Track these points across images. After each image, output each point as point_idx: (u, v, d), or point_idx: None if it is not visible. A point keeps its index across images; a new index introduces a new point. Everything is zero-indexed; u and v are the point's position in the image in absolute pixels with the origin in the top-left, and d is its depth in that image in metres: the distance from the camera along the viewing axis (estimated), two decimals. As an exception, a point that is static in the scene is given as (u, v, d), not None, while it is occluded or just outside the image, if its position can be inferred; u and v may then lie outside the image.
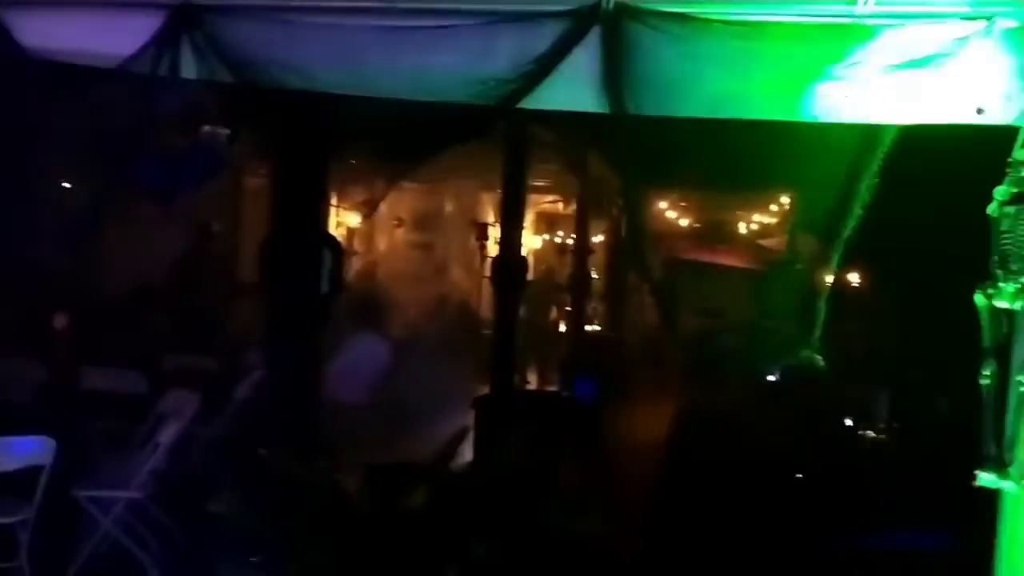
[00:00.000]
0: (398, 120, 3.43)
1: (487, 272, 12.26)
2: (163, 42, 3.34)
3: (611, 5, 3.11)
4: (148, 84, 3.42)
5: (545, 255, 18.77)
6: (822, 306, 3.16)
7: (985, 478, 2.92)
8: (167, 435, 5.32)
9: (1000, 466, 2.90)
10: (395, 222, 17.00)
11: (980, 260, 3.02)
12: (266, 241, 5.43)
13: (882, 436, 8.70)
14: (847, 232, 3.11)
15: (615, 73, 3.11)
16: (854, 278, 7.27)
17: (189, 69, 3.30)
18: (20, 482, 4.59)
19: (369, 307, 9.91)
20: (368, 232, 16.53)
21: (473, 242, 14.33)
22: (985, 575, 3.12)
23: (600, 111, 3.18)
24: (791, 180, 3.25)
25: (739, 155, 3.27)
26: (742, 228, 15.30)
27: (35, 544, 4.66)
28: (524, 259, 10.11)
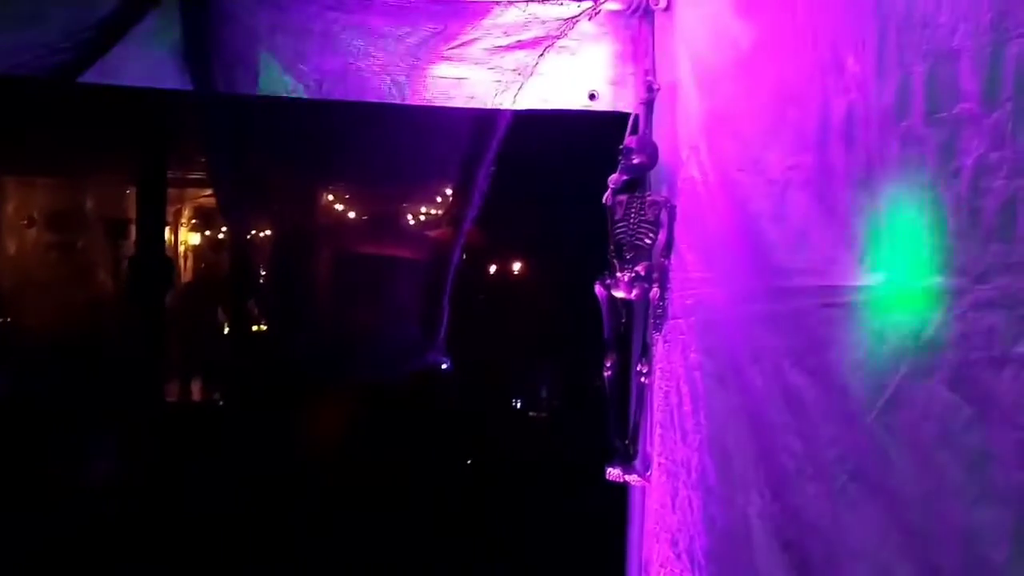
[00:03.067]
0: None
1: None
2: None
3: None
4: None
5: (205, 253, 17.60)
6: (445, 304, 2.94)
7: (613, 472, 2.86)
8: None
9: (626, 459, 2.85)
10: (24, 221, 15.05)
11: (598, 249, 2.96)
12: None
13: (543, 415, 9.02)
14: (467, 222, 2.91)
15: (198, 45, 2.65)
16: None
17: None
18: None
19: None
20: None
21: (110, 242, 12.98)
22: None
23: (183, 88, 2.70)
24: (406, 168, 2.98)
25: (351, 141, 2.94)
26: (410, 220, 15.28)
27: None
28: (168, 259, 9.24)
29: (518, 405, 8.20)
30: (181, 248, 13.85)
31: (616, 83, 2.96)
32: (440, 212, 3.00)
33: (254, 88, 2.73)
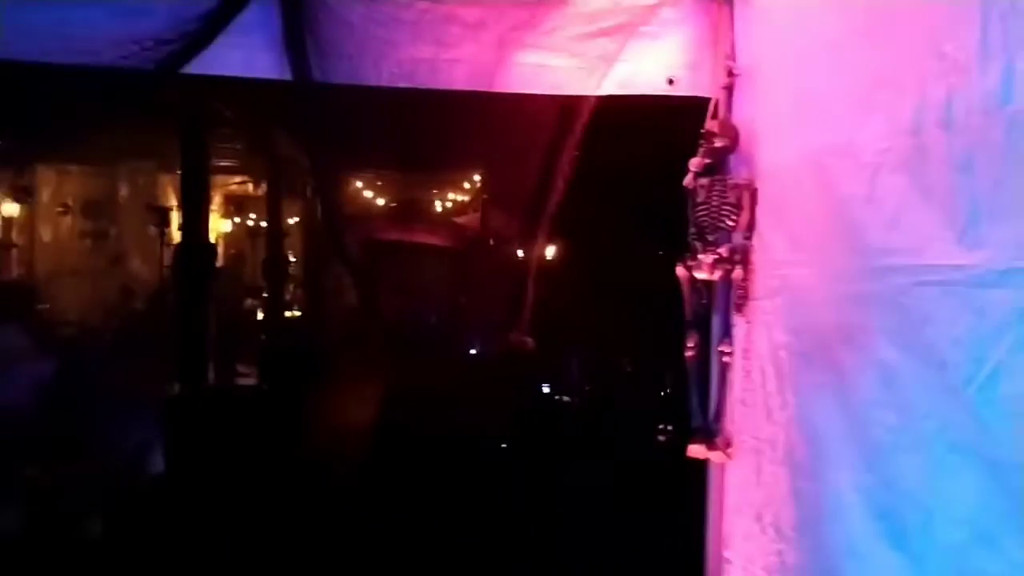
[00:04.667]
0: (34, 89, 2.82)
1: (169, 261, 11.30)
2: None
3: (287, -45, 2.74)
4: None
5: (236, 239, 17.79)
6: (530, 285, 3.04)
7: (695, 450, 2.94)
8: None
9: (708, 437, 2.94)
10: (60, 209, 15.26)
11: (675, 232, 3.04)
12: None
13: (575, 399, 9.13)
14: (551, 208, 3.00)
15: (297, 36, 2.74)
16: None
17: None
18: None
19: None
20: (28, 221, 14.67)
21: (152, 229, 13.16)
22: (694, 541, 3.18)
23: (282, 79, 2.80)
24: (491, 155, 3.06)
25: (433, 129, 3.03)
26: (439, 207, 15.38)
27: None
28: (212, 245, 9.40)
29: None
30: (212, 235, 14.02)
31: (694, 68, 3.03)
32: (469, 199, 3.08)
33: (348, 77, 2.82)
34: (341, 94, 2.84)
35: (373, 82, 2.85)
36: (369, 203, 13.65)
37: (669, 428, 7.93)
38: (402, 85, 2.88)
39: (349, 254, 3.13)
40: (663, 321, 3.12)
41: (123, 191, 15.23)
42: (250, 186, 17.16)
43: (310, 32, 2.75)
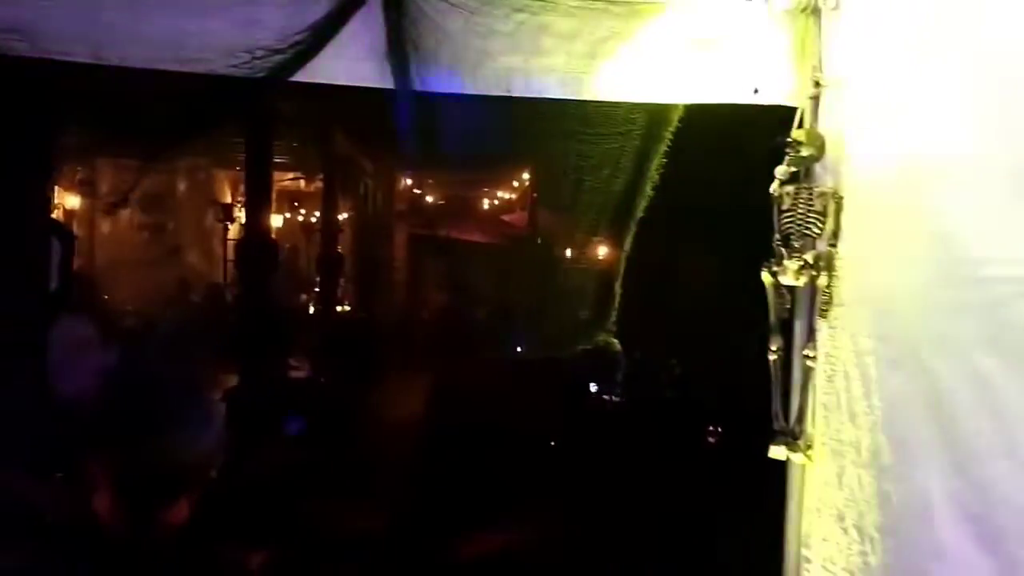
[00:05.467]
0: (148, 94, 2.97)
1: (230, 255, 11.52)
2: None
3: (391, -30, 2.86)
4: None
5: (288, 235, 18.10)
6: (617, 289, 3.13)
7: (776, 451, 3.01)
8: None
9: (789, 439, 3.00)
10: (117, 203, 15.59)
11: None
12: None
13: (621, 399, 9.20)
14: (639, 213, 3.08)
15: (399, 46, 2.86)
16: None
17: None
18: None
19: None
20: (87, 214, 15.03)
21: (214, 223, 13.44)
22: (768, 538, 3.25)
23: (383, 87, 2.92)
24: (579, 160, 3.16)
25: (526, 134, 3.14)
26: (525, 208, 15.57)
27: None
28: (274, 241, 9.62)
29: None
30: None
31: (780, 78, 3.08)
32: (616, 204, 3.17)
33: (446, 86, 2.93)
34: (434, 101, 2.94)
35: (470, 90, 2.95)
36: (467, 204, 13.83)
37: (719, 429, 7.98)
38: (496, 93, 2.98)
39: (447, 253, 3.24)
40: (739, 324, 3.19)
41: (181, 186, 15.56)
42: (302, 182, 17.44)
43: (411, 42, 2.86)
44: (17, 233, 4.25)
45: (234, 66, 2.81)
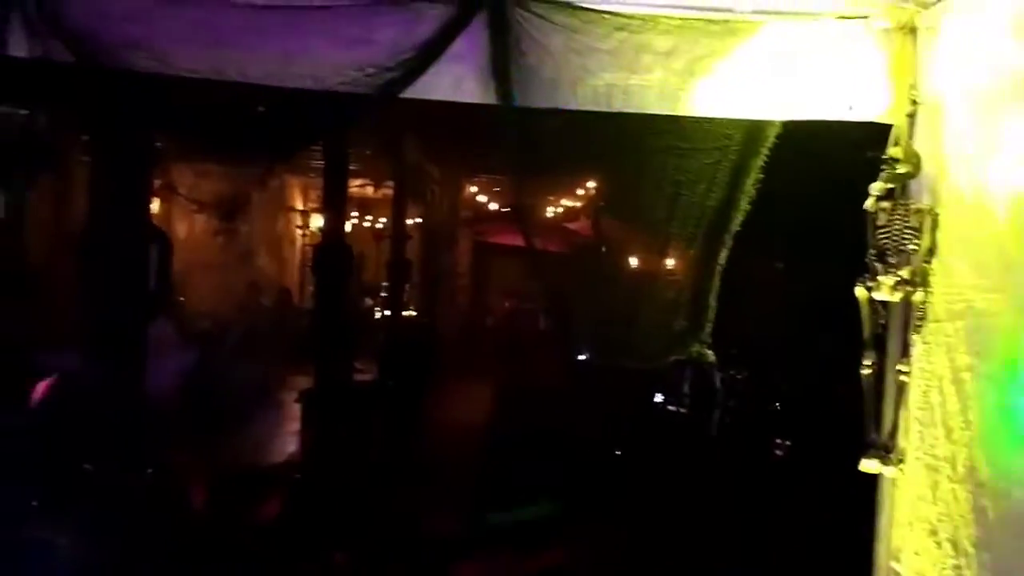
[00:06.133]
0: (262, 108, 3.12)
1: (307, 260, 11.80)
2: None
3: (496, -9, 2.97)
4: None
5: (356, 240, 18.40)
6: (712, 301, 3.19)
7: (868, 464, 3.04)
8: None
9: (881, 452, 3.03)
10: (194, 207, 16.04)
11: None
12: (85, 234, 4.89)
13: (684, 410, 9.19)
14: (735, 227, 3.14)
15: (503, 63, 2.96)
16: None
17: (19, 47, 2.85)
18: None
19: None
20: (164, 218, 15.47)
21: (292, 229, 13.77)
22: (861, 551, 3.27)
23: (486, 103, 3.03)
24: (676, 175, 3.23)
25: (623, 148, 3.23)
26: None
27: None
28: (349, 247, 9.82)
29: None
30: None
31: (875, 95, 3.12)
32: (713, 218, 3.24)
33: (548, 101, 3.03)
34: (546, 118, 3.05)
35: (571, 106, 3.05)
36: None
37: (787, 443, 7.93)
38: (596, 109, 3.07)
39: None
40: (831, 339, 3.22)
41: (255, 192, 15.89)
42: (370, 189, 17.71)
43: (514, 60, 2.97)
44: (127, 238, 4.47)
45: (343, 83, 2.94)
